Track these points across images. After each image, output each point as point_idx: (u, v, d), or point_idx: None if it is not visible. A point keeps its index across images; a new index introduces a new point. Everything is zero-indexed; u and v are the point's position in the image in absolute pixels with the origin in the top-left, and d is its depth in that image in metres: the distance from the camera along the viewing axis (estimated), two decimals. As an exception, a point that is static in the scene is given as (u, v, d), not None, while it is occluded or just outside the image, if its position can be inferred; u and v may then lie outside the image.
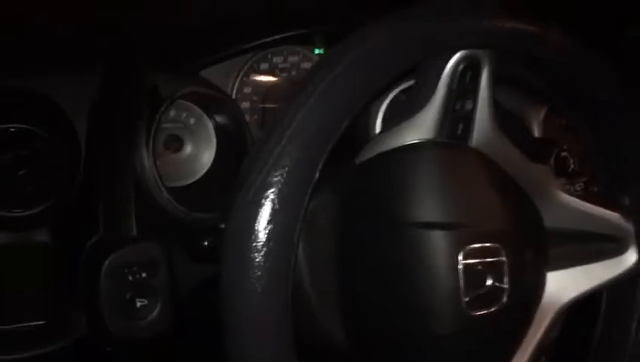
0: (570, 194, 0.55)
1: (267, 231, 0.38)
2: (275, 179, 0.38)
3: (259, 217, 0.38)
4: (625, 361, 0.52)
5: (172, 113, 0.66)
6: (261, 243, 0.38)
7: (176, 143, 0.66)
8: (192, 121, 0.67)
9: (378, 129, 0.62)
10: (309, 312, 0.49)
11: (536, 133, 0.73)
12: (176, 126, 0.66)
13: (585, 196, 0.56)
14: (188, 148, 0.67)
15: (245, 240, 0.38)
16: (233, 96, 0.69)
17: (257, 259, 0.37)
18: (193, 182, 0.66)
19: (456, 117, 0.47)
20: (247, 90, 0.70)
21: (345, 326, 0.48)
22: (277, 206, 0.38)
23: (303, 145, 0.39)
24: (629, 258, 0.52)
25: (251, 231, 0.38)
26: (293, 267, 0.39)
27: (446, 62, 0.45)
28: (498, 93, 0.68)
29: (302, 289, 0.49)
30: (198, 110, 0.66)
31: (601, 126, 0.51)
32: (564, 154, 0.69)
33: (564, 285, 0.51)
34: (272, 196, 0.38)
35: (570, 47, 0.47)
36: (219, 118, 0.66)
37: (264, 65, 0.71)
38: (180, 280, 0.53)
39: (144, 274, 0.50)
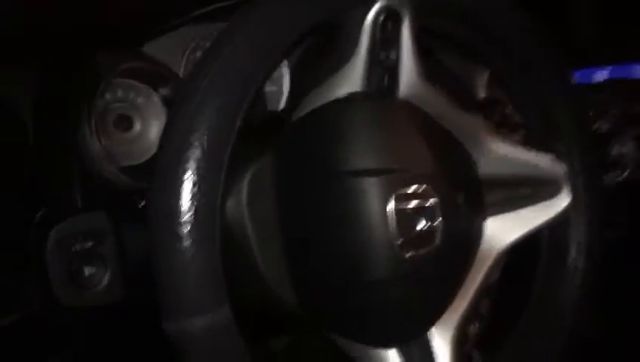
0: (509, 143, 0.57)
1: (190, 182, 0.39)
2: (193, 139, 0.39)
3: (181, 169, 0.39)
4: (565, 297, 0.53)
5: (120, 93, 0.66)
6: (185, 193, 0.39)
7: (125, 122, 0.67)
8: (139, 99, 0.67)
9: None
10: (257, 274, 0.50)
11: (482, 94, 0.74)
12: (125, 105, 0.67)
13: (522, 143, 0.57)
14: (137, 126, 0.67)
15: (168, 194, 0.39)
16: (181, 73, 0.70)
17: (182, 212, 0.39)
18: (147, 160, 0.67)
19: (382, 68, 0.48)
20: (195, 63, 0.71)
21: (292, 284, 0.49)
22: (196, 164, 0.39)
23: (216, 106, 0.40)
24: (564, 199, 0.54)
25: (174, 183, 0.39)
26: (219, 215, 0.40)
27: (365, 15, 0.46)
28: (446, 56, 0.71)
29: (249, 250, 0.50)
30: (144, 87, 0.67)
31: (532, 77, 0.53)
32: (508, 111, 0.71)
33: (502, 229, 0.52)
34: (191, 155, 0.39)
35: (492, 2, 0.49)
36: (166, 94, 0.67)
37: (209, 42, 0.72)
38: (129, 249, 0.53)
39: (90, 243, 0.51)
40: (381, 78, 0.48)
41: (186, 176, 0.39)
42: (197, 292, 0.39)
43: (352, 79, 0.47)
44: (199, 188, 0.39)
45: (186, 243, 0.38)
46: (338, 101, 0.48)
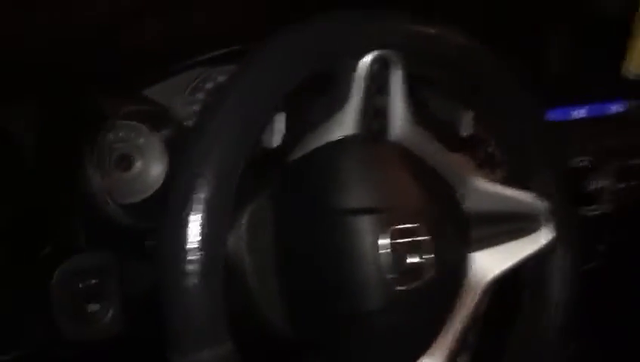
0: (492, 180, 0.60)
1: (197, 223, 0.42)
2: (200, 180, 0.42)
3: (186, 210, 0.42)
4: (549, 328, 0.56)
5: (121, 133, 0.69)
6: (191, 233, 0.41)
7: (125, 162, 0.69)
8: (140, 140, 0.70)
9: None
10: (254, 306, 0.52)
11: (466, 131, 0.78)
12: (126, 145, 0.69)
13: (505, 182, 0.60)
14: (138, 165, 0.70)
15: (175, 234, 0.41)
16: (180, 114, 0.73)
17: (187, 251, 0.41)
18: (146, 198, 0.70)
19: (374, 113, 0.51)
20: (195, 108, 0.74)
21: (286, 313, 0.52)
22: (204, 202, 0.42)
23: (221, 150, 0.43)
24: (546, 233, 0.57)
25: (181, 224, 0.41)
26: (223, 253, 0.43)
27: (357, 63, 0.49)
28: (430, 96, 0.74)
29: (247, 284, 0.52)
30: (145, 128, 0.70)
31: (508, 120, 0.56)
32: (490, 149, 0.74)
33: (487, 263, 0.55)
34: (198, 194, 0.42)
35: (472, 50, 0.53)
36: (167, 134, 0.70)
37: (209, 85, 0.75)
38: (132, 285, 0.55)
39: (94, 281, 0.53)
40: (372, 122, 0.51)
41: (192, 218, 0.42)
42: (203, 328, 0.41)
43: (345, 123, 0.50)
44: (205, 228, 0.42)
45: (193, 281, 0.41)
46: (332, 144, 0.51)
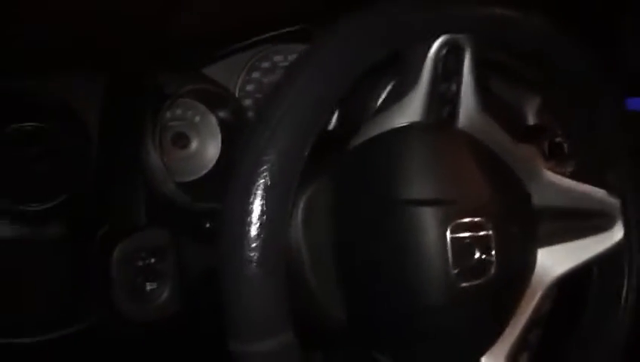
0: (560, 174, 0.58)
1: (260, 209, 0.41)
2: (267, 159, 0.41)
3: (252, 196, 0.41)
4: (615, 331, 0.54)
5: (178, 111, 0.69)
6: (255, 221, 0.40)
7: (183, 140, 0.69)
8: (197, 118, 0.70)
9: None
10: (309, 294, 0.51)
11: (532, 121, 0.75)
12: (183, 123, 0.70)
13: (574, 175, 0.57)
14: (194, 144, 0.70)
15: (240, 219, 0.40)
16: (237, 94, 0.72)
17: (251, 239, 0.40)
18: (201, 176, 0.70)
19: (442, 100, 0.49)
20: (249, 87, 0.73)
21: (344, 306, 0.51)
22: (268, 185, 0.41)
23: (291, 129, 0.42)
24: (616, 233, 0.54)
25: (245, 209, 0.40)
26: (285, 246, 0.42)
27: (429, 48, 0.47)
28: (496, 81, 0.72)
29: (303, 271, 0.51)
30: (202, 107, 0.69)
31: (585, 109, 0.53)
32: (558, 139, 0.71)
33: (554, 260, 0.53)
34: (263, 176, 0.41)
35: (548, 32, 0.50)
36: (222, 115, 0.69)
37: (265, 64, 0.74)
38: (189, 264, 0.55)
39: (153, 260, 0.53)
40: (441, 109, 0.49)
41: (255, 204, 0.41)
42: (265, 316, 0.40)
43: (412, 109, 0.48)
44: (268, 216, 0.41)
45: (255, 269, 0.40)
46: (398, 130, 0.49)
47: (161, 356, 0.65)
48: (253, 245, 0.40)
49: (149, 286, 0.53)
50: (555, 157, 0.70)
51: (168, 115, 0.67)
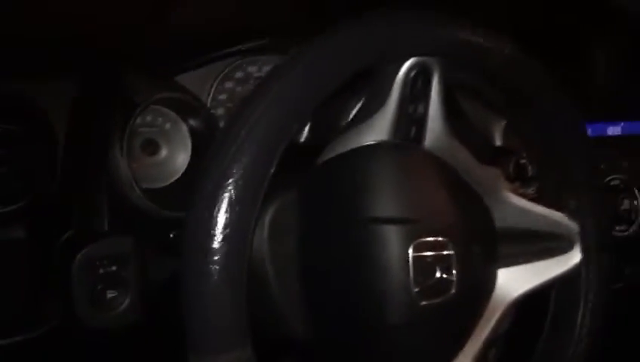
0: (522, 196, 0.59)
1: (224, 221, 0.41)
2: (233, 172, 0.41)
3: (216, 209, 0.41)
4: (571, 354, 0.55)
5: (149, 118, 0.69)
6: (218, 234, 0.40)
7: (152, 146, 0.69)
8: (167, 125, 0.70)
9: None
10: (273, 309, 0.51)
11: (499, 142, 0.76)
12: (153, 130, 0.69)
13: (537, 198, 0.59)
14: (163, 152, 0.69)
15: (204, 229, 0.40)
16: (209, 103, 0.72)
17: (214, 250, 0.40)
18: (169, 184, 0.69)
19: (409, 120, 0.50)
20: (222, 96, 0.73)
21: (307, 318, 0.51)
22: (233, 199, 0.41)
23: (257, 143, 0.42)
24: (574, 256, 0.55)
25: (210, 220, 0.41)
26: (248, 256, 0.42)
27: (398, 69, 0.48)
28: (463, 103, 0.73)
29: (267, 286, 0.51)
30: (174, 115, 0.69)
31: (547, 134, 0.55)
32: (522, 161, 0.73)
33: (513, 281, 0.54)
34: (229, 188, 0.41)
35: (517, 59, 0.51)
36: (193, 123, 0.69)
37: (239, 74, 0.74)
38: (151, 273, 0.55)
39: (114, 267, 0.53)
40: (408, 129, 0.50)
41: (220, 217, 0.41)
42: (224, 330, 0.40)
43: (379, 128, 0.49)
44: (231, 229, 0.41)
45: (216, 281, 0.40)
46: (365, 148, 0.49)
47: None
48: (215, 258, 0.40)
49: (109, 294, 0.53)
50: (520, 179, 0.72)
51: (138, 120, 0.66)
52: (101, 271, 0.52)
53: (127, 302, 0.53)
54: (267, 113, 0.43)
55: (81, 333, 0.53)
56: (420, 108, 0.50)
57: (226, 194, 0.41)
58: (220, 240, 0.40)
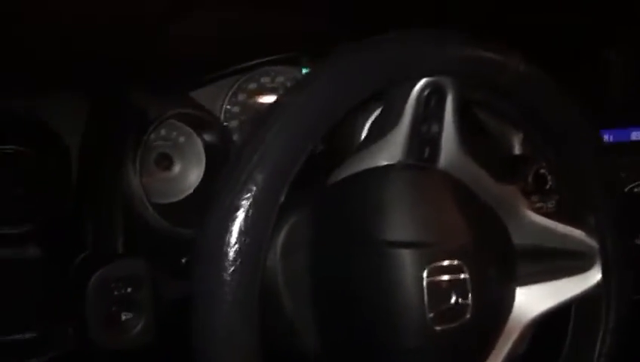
0: (542, 212, 0.58)
1: (235, 250, 0.40)
2: (243, 201, 0.41)
3: (227, 237, 0.40)
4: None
5: (163, 132, 0.69)
6: (230, 261, 0.40)
7: (166, 161, 0.69)
8: (181, 139, 0.70)
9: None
10: (285, 326, 0.51)
11: (516, 151, 0.75)
12: (167, 144, 0.69)
13: (555, 214, 0.57)
14: (177, 167, 0.69)
15: (215, 259, 0.40)
16: (222, 116, 0.72)
17: (225, 277, 0.40)
18: (182, 199, 0.69)
19: (423, 140, 0.49)
20: (235, 109, 0.73)
21: (319, 340, 0.50)
22: (244, 226, 0.40)
23: (268, 170, 0.41)
24: (594, 275, 0.54)
25: (221, 250, 0.40)
26: (260, 282, 0.41)
27: (411, 89, 0.47)
28: (481, 114, 0.72)
29: (279, 303, 0.51)
30: (188, 129, 0.69)
31: (563, 150, 0.53)
32: (542, 171, 0.71)
33: (531, 300, 0.53)
34: (240, 216, 0.41)
35: (530, 75, 0.50)
36: (208, 138, 0.69)
37: (252, 86, 0.74)
38: (163, 295, 0.55)
39: (129, 289, 0.53)
40: (422, 149, 0.49)
41: (230, 247, 0.40)
42: (234, 351, 0.40)
43: (393, 149, 0.48)
44: (242, 258, 0.40)
45: (228, 312, 0.40)
46: (378, 169, 0.49)
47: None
48: (226, 289, 0.40)
49: (124, 316, 0.53)
50: (539, 190, 0.70)
51: (152, 135, 0.66)
52: (116, 292, 0.52)
53: (141, 324, 0.53)
54: (279, 138, 0.42)
55: (95, 356, 0.53)
56: (434, 128, 0.49)
57: (236, 224, 0.41)
58: (230, 271, 0.40)
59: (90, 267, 0.53)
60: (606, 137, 0.80)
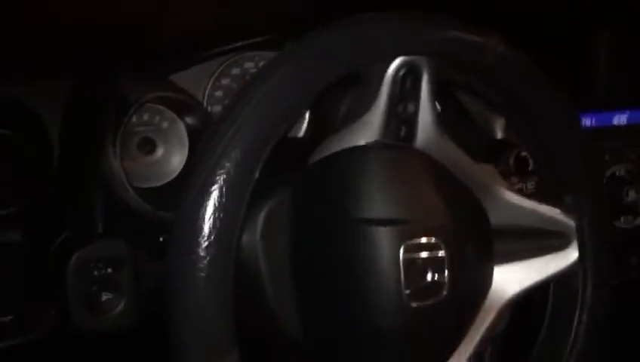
0: (521, 193, 0.58)
1: (209, 226, 0.41)
2: (217, 178, 0.41)
3: (201, 212, 0.40)
4: (568, 353, 0.54)
5: (145, 116, 0.69)
6: (204, 237, 0.40)
7: (148, 145, 0.69)
8: (164, 124, 0.70)
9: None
10: (267, 309, 0.51)
11: (499, 135, 0.75)
12: (150, 129, 0.69)
13: (535, 195, 0.58)
14: (160, 151, 0.69)
15: (189, 235, 0.40)
16: (205, 100, 0.72)
17: (199, 252, 0.40)
18: (165, 184, 0.69)
19: (399, 120, 0.49)
20: (218, 94, 0.73)
21: (300, 320, 0.51)
22: (218, 202, 0.41)
23: (242, 146, 0.42)
24: (571, 253, 0.54)
25: (195, 226, 0.40)
26: (234, 261, 0.42)
27: (387, 68, 0.47)
28: (463, 97, 0.72)
29: (260, 286, 0.51)
30: (171, 114, 0.69)
31: (541, 130, 0.54)
32: (523, 154, 0.72)
33: (509, 279, 0.53)
34: (214, 194, 0.41)
35: (509, 56, 0.50)
36: (190, 122, 0.69)
37: (235, 70, 0.74)
38: (146, 277, 0.55)
39: (110, 270, 0.53)
40: (398, 129, 0.49)
41: (205, 222, 0.41)
42: (209, 338, 0.40)
43: (369, 129, 0.49)
44: (217, 234, 0.41)
45: (201, 287, 0.40)
46: (355, 149, 0.49)
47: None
48: (200, 264, 0.40)
49: (104, 296, 0.53)
50: (520, 172, 0.71)
51: (135, 119, 0.66)
52: (96, 273, 0.53)
53: (122, 305, 0.53)
54: (254, 115, 0.43)
55: (77, 337, 0.54)
56: (410, 108, 0.49)
57: (211, 200, 0.41)
58: (204, 246, 0.40)
59: (70, 248, 0.53)
60: (589, 121, 0.80)
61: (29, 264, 0.55)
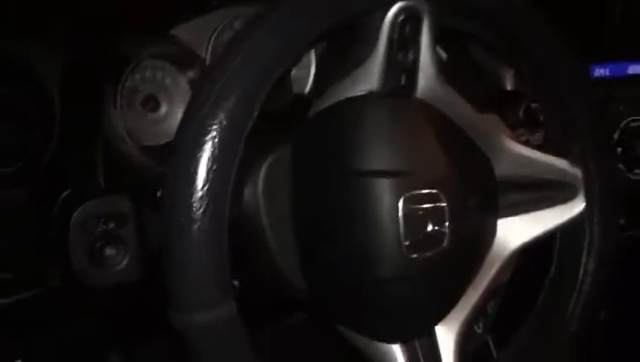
0: (528, 144, 0.57)
1: (203, 176, 0.40)
2: (211, 127, 0.40)
3: (195, 162, 0.40)
4: (574, 303, 0.54)
5: (148, 73, 0.68)
6: (197, 187, 0.40)
7: (152, 103, 0.68)
8: (167, 80, 0.69)
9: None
10: (270, 260, 0.51)
11: (509, 86, 0.74)
12: (152, 86, 0.68)
13: (541, 146, 0.57)
14: (164, 108, 0.69)
15: (182, 185, 0.40)
16: (208, 55, 0.71)
17: (194, 203, 0.40)
18: (170, 141, 0.69)
19: (399, 68, 0.48)
20: (221, 48, 0.72)
21: (302, 273, 0.51)
22: (212, 152, 0.40)
23: (236, 94, 0.41)
24: (577, 205, 0.53)
25: (188, 175, 0.40)
26: (229, 211, 0.41)
27: (385, 14, 0.46)
28: (473, 48, 0.70)
29: (263, 238, 0.51)
30: (173, 69, 0.68)
31: (547, 79, 0.52)
32: (533, 106, 0.70)
33: (514, 231, 0.53)
34: (208, 143, 0.40)
35: (510, 0, 0.48)
36: (193, 76, 0.68)
37: (237, 25, 0.72)
38: (148, 232, 0.55)
39: (112, 225, 0.53)
40: (398, 78, 0.48)
41: (198, 172, 0.40)
42: (201, 287, 0.40)
43: (369, 78, 0.47)
44: (210, 184, 0.40)
45: (195, 236, 0.40)
46: (354, 99, 0.48)
47: (121, 323, 0.66)
48: (193, 214, 0.40)
49: (108, 251, 0.53)
50: (529, 124, 0.69)
51: (138, 77, 0.66)
52: (99, 228, 0.53)
53: (126, 260, 0.53)
54: (247, 63, 0.42)
55: (81, 292, 0.54)
56: (410, 55, 0.48)
57: (204, 151, 0.40)
58: (199, 197, 0.40)
59: (72, 203, 0.53)
60: (602, 71, 0.78)
61: (33, 222, 0.55)
